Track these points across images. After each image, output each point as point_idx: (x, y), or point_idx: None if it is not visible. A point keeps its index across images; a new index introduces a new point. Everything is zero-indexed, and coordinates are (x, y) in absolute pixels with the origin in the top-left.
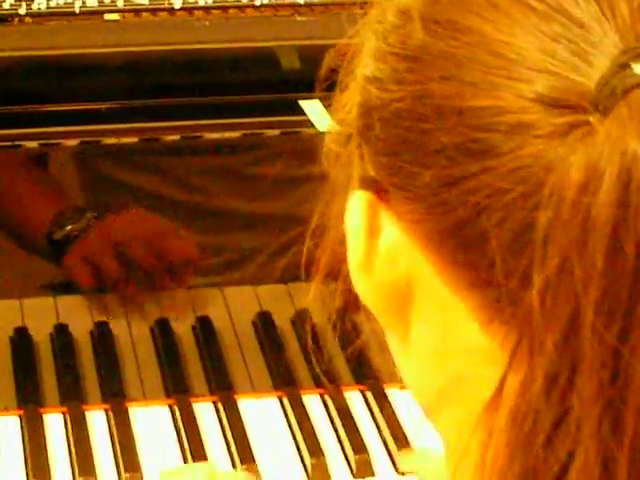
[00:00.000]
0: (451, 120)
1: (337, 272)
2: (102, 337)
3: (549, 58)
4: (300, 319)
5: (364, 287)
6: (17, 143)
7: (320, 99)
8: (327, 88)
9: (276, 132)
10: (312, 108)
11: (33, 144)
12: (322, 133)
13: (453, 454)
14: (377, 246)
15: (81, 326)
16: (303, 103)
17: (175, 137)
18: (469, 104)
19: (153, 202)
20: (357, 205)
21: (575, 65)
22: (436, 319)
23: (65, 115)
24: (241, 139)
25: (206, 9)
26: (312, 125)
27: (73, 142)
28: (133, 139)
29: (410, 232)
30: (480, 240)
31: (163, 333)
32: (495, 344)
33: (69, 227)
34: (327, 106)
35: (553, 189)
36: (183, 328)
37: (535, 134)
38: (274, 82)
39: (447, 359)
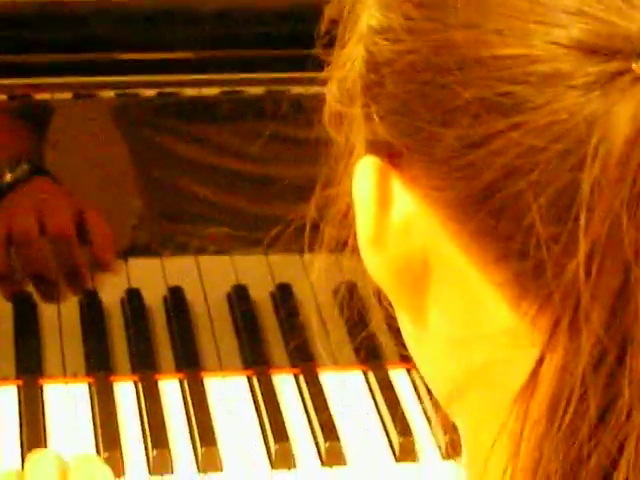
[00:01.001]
0: (475, 72)
1: (343, 245)
2: (176, 303)
3: None
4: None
5: (374, 263)
6: (93, 92)
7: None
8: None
9: None
10: None
11: (109, 93)
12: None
13: (478, 449)
14: (389, 217)
15: (154, 291)
16: None
17: (259, 90)
18: (495, 53)
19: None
20: (365, 172)
21: (616, 6)
22: (456, 299)
23: (144, 64)
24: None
25: None
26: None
27: (151, 92)
28: (214, 90)
29: (428, 200)
30: (513, 206)
31: (240, 300)
32: (525, 323)
33: (9, 177)
34: (328, 63)
35: (598, 145)
36: (261, 295)
37: (571, 84)
38: None
39: (469, 344)
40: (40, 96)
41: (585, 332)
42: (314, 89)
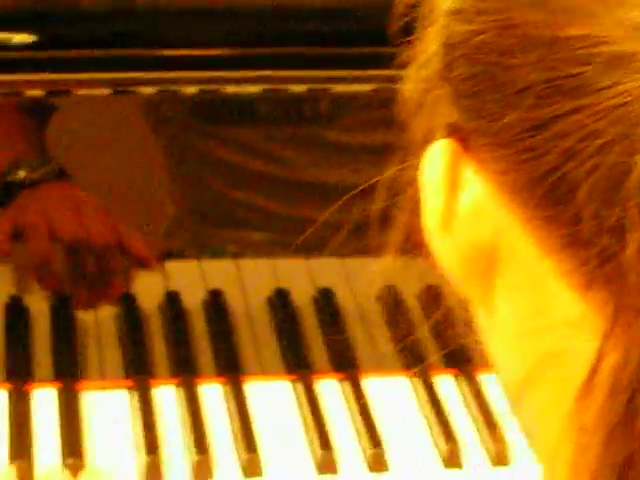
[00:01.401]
0: (540, 53)
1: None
2: (216, 306)
3: None
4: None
5: (442, 249)
6: (131, 89)
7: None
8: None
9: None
10: None
11: (150, 90)
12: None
13: (547, 447)
14: (458, 202)
15: (193, 294)
16: None
17: (302, 88)
18: (561, 34)
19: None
20: (438, 154)
21: None
22: (526, 287)
23: (185, 60)
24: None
25: None
26: None
27: (192, 89)
28: (256, 88)
29: (495, 185)
30: (573, 191)
31: (281, 304)
32: (592, 314)
33: (23, 173)
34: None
35: None
36: (303, 299)
37: (638, 67)
38: None
39: (538, 333)
40: (80, 92)
41: (636, 326)
42: (364, 88)
